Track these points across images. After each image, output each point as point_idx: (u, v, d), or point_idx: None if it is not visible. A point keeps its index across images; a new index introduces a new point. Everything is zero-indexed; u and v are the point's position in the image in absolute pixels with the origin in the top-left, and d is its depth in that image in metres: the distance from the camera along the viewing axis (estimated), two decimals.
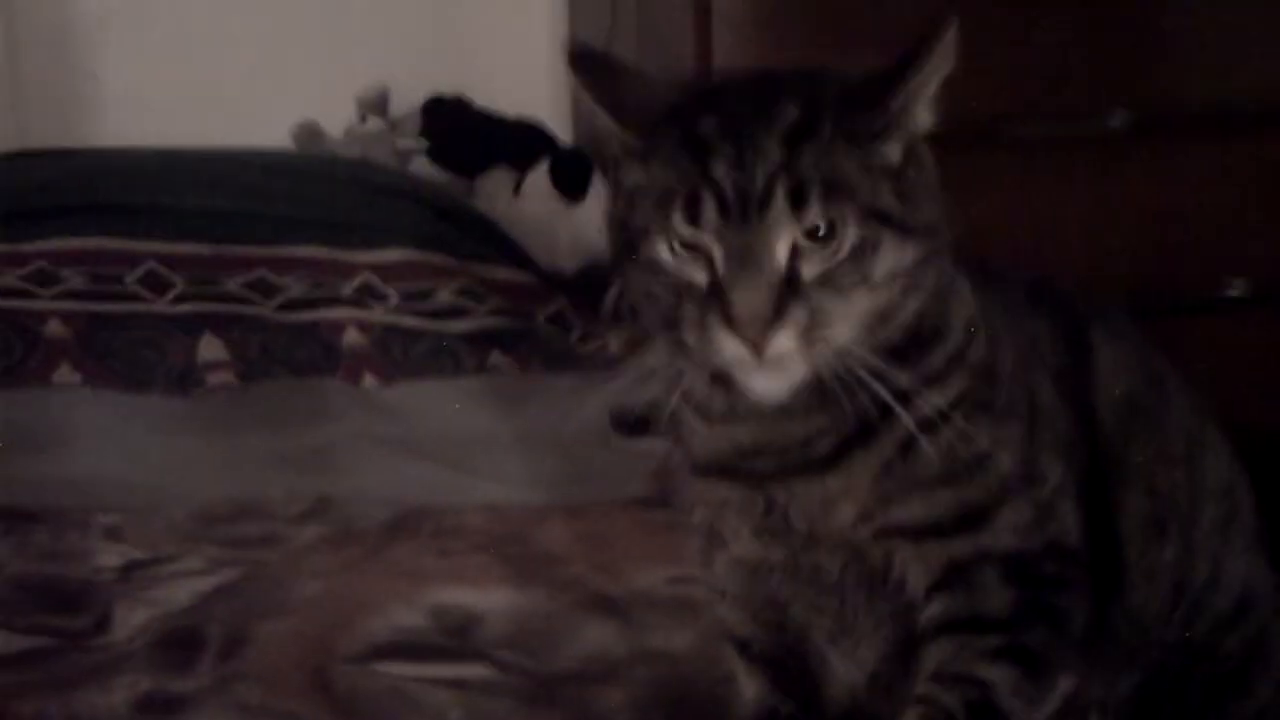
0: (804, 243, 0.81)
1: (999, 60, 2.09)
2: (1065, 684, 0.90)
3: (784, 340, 0.80)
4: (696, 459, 0.92)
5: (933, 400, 0.85)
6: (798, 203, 0.80)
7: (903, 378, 0.84)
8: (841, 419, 0.86)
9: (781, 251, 0.81)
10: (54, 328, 1.82)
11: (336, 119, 2.41)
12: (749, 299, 0.79)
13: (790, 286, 0.80)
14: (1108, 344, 0.99)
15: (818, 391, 0.85)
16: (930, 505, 0.87)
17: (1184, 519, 0.97)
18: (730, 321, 0.79)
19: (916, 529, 0.88)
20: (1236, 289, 2.23)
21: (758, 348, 0.79)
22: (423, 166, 2.37)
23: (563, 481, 1.47)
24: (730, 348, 0.80)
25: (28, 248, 1.92)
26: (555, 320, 1.97)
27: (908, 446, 0.86)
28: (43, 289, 1.86)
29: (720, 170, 0.81)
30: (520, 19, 2.52)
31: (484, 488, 1.48)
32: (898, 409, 0.84)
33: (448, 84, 2.42)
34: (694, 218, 0.81)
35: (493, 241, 2.13)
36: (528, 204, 2.24)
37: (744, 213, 0.80)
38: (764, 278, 0.80)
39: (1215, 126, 2.21)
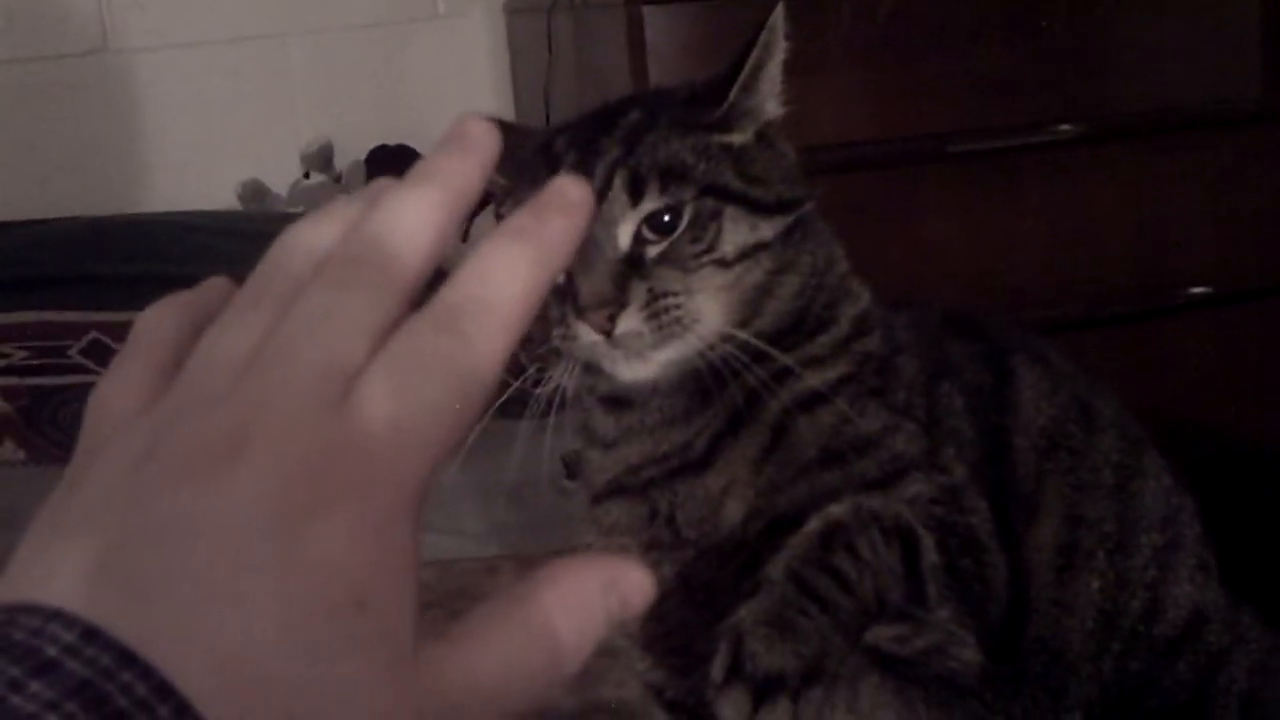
0: (648, 232, 0.83)
1: (944, 76, 2.09)
2: (970, 655, 0.86)
3: (630, 320, 0.81)
4: (593, 488, 0.92)
5: (810, 380, 0.85)
6: (636, 190, 0.83)
7: (781, 359, 0.84)
8: (717, 416, 0.86)
9: (623, 237, 0.83)
10: None
11: (281, 176, 2.39)
12: (592, 283, 0.81)
13: (635, 269, 0.82)
14: (1030, 374, 0.98)
15: (699, 393, 0.85)
16: (815, 490, 0.85)
17: (1114, 549, 0.95)
18: (579, 308, 0.81)
19: (806, 515, 0.84)
20: (1196, 291, 2.23)
21: (606, 329, 0.81)
22: None
23: (516, 531, 1.45)
24: (584, 334, 0.82)
25: None
26: (508, 364, 1.94)
27: (782, 430, 0.86)
28: None
29: (564, 173, 0.83)
30: (461, 65, 2.51)
31: (436, 541, 1.45)
32: (769, 385, 0.85)
33: (391, 134, 2.40)
34: None
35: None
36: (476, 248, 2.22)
37: None
38: (605, 262, 0.82)
39: (1165, 133, 2.21)
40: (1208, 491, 1.05)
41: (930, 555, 0.84)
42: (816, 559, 0.80)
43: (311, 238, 0.41)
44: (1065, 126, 2.16)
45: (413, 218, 0.40)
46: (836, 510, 0.83)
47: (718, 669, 0.76)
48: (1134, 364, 2.16)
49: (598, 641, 0.39)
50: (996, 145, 2.14)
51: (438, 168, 0.42)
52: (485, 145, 0.42)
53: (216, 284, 0.43)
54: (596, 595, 0.40)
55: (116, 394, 0.41)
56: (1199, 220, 2.23)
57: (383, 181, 0.43)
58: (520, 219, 0.41)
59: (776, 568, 0.80)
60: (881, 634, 0.84)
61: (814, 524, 0.82)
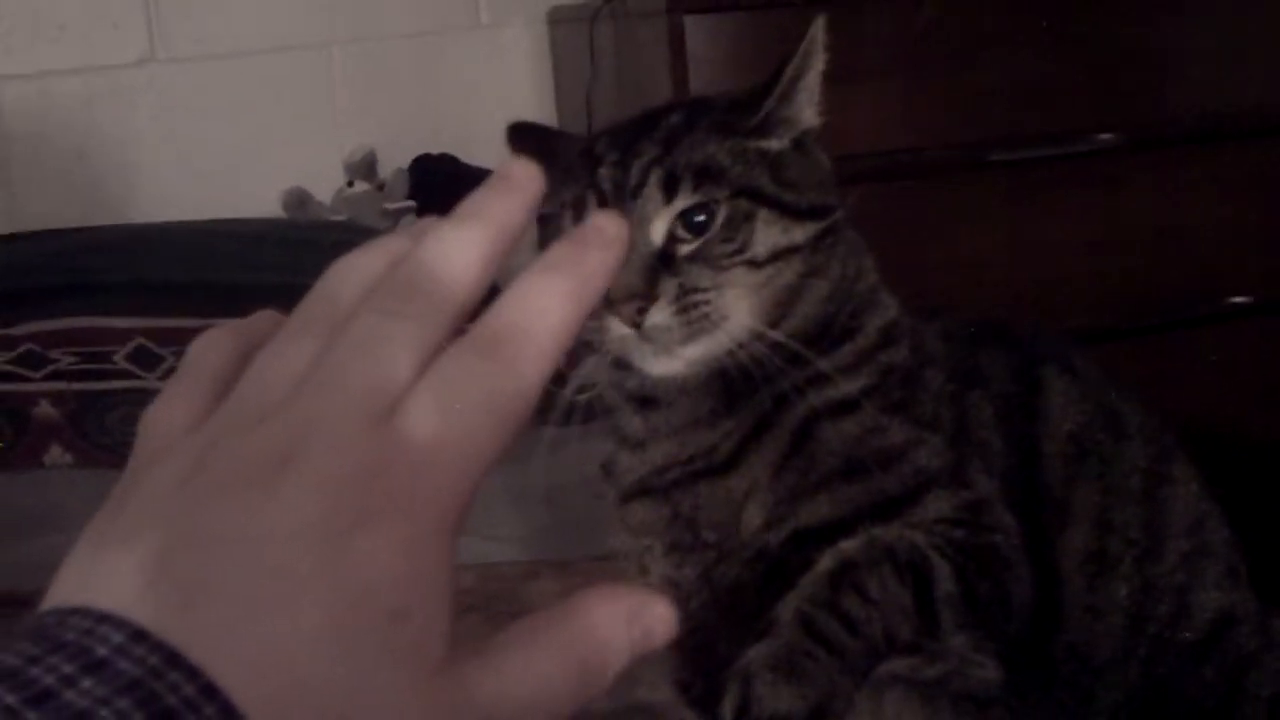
0: (682, 231, 0.85)
1: (983, 86, 2.09)
2: (988, 674, 0.87)
3: (660, 313, 0.82)
4: (620, 489, 0.93)
5: (836, 388, 0.86)
6: (670, 187, 0.84)
7: (813, 360, 0.85)
8: (744, 420, 0.86)
9: (656, 233, 0.84)
10: (44, 409, 1.81)
11: (325, 184, 2.41)
12: (624, 276, 0.82)
13: (666, 265, 0.84)
14: (1059, 383, 0.98)
15: (726, 394, 0.86)
16: (838, 504, 0.87)
17: (1141, 556, 0.95)
18: (610, 300, 0.82)
19: (827, 529, 0.86)
20: (1237, 301, 2.21)
21: (635, 322, 0.82)
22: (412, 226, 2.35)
23: (554, 536, 1.45)
24: (614, 326, 0.83)
25: (17, 330, 1.89)
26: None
27: (804, 437, 0.86)
28: (32, 371, 1.84)
29: (604, 172, 0.87)
30: (504, 74, 2.52)
31: (476, 546, 1.45)
32: (798, 388, 0.86)
33: (434, 143, 2.42)
34: (580, 218, 0.86)
35: (487, 296, 2.10)
36: (515, 256, 2.22)
37: (620, 202, 0.85)
38: (637, 256, 0.83)
39: (1206, 141, 2.20)
40: (1246, 499, 1.05)
41: (945, 585, 0.84)
42: (825, 601, 0.81)
43: (361, 268, 0.43)
44: (1105, 135, 2.16)
45: (458, 251, 0.42)
46: (849, 547, 0.84)
47: (727, 709, 0.78)
48: (1174, 372, 2.15)
49: (621, 670, 0.41)
50: (1035, 154, 2.14)
51: (483, 205, 0.43)
52: (529, 185, 0.44)
53: (266, 315, 0.45)
54: (623, 625, 0.41)
55: (169, 412, 0.43)
56: (1240, 229, 2.22)
57: (429, 219, 0.44)
58: (560, 251, 0.43)
59: (786, 609, 0.81)
60: (894, 665, 0.85)
61: (826, 562, 0.83)
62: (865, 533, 0.84)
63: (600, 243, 0.43)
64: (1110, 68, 2.16)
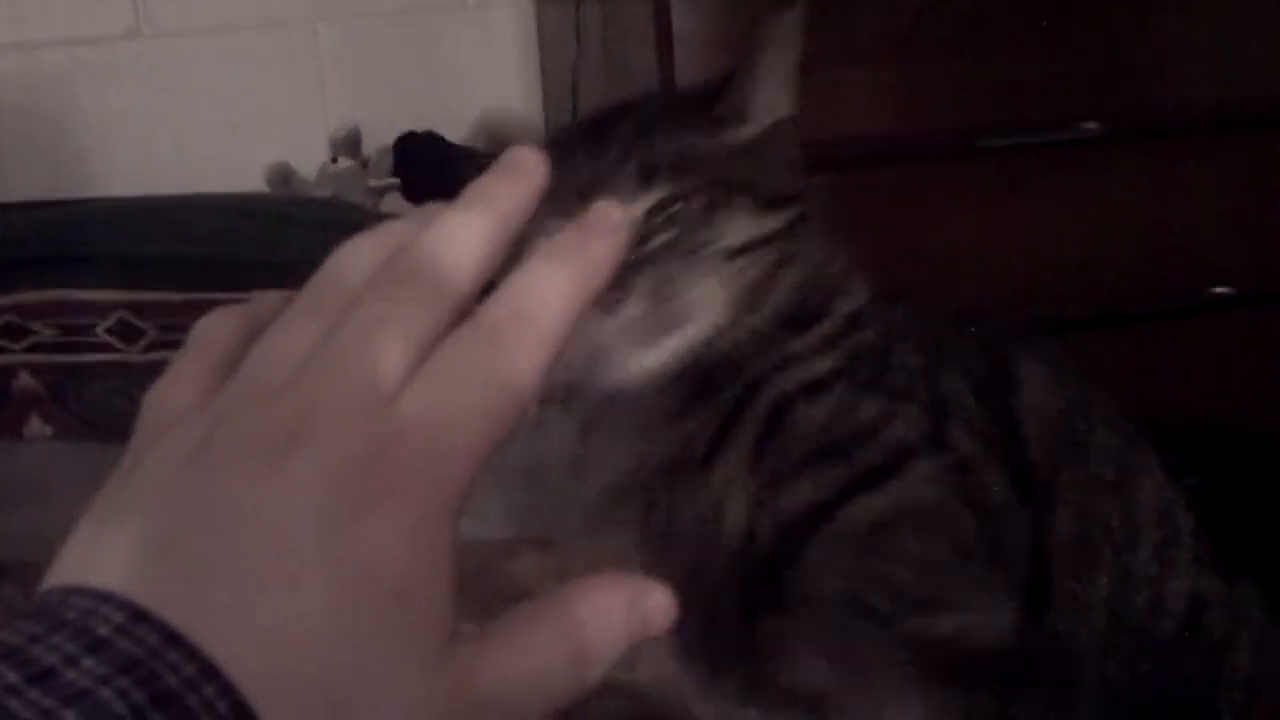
0: (655, 221, 0.84)
1: (973, 73, 2.09)
2: (1000, 624, 0.86)
3: (633, 306, 0.82)
4: (593, 479, 0.94)
5: (806, 370, 0.86)
6: (644, 178, 0.84)
7: (785, 348, 0.86)
8: (717, 409, 0.87)
9: None
10: (24, 381, 1.80)
11: (309, 160, 2.40)
12: None
13: (640, 257, 0.83)
14: (1034, 371, 0.98)
15: (698, 385, 0.87)
16: (820, 487, 0.86)
17: (1119, 545, 0.96)
18: None
19: (813, 513, 0.85)
20: (1218, 291, 2.22)
21: (610, 316, 0.82)
22: (396, 204, 2.36)
23: (537, 514, 1.45)
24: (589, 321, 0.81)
25: None
26: None
27: (776, 419, 0.86)
28: (12, 342, 1.84)
29: (578, 161, 0.86)
30: (490, 54, 2.51)
31: (460, 524, 1.45)
32: (768, 376, 0.86)
33: (419, 121, 2.41)
34: (554, 208, 0.84)
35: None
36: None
37: (595, 192, 0.84)
38: None
39: (1197, 133, 2.20)
40: (1227, 490, 1.05)
41: (959, 537, 0.84)
42: (851, 569, 0.81)
43: (366, 252, 0.44)
44: (1092, 125, 2.15)
45: (463, 237, 0.43)
46: (876, 506, 0.83)
47: (763, 681, 0.77)
48: (1160, 362, 2.16)
49: (619, 656, 0.42)
50: (1023, 142, 2.13)
51: (489, 191, 0.44)
52: (535, 173, 0.44)
53: (270, 297, 0.45)
54: (623, 612, 0.42)
55: (174, 390, 0.43)
56: (1224, 220, 2.22)
57: (434, 205, 0.44)
58: (565, 239, 0.43)
59: (825, 584, 0.81)
60: (908, 625, 0.84)
61: (857, 521, 0.83)
62: (880, 494, 0.84)
63: (605, 230, 0.43)
64: (1102, 57, 2.16)
